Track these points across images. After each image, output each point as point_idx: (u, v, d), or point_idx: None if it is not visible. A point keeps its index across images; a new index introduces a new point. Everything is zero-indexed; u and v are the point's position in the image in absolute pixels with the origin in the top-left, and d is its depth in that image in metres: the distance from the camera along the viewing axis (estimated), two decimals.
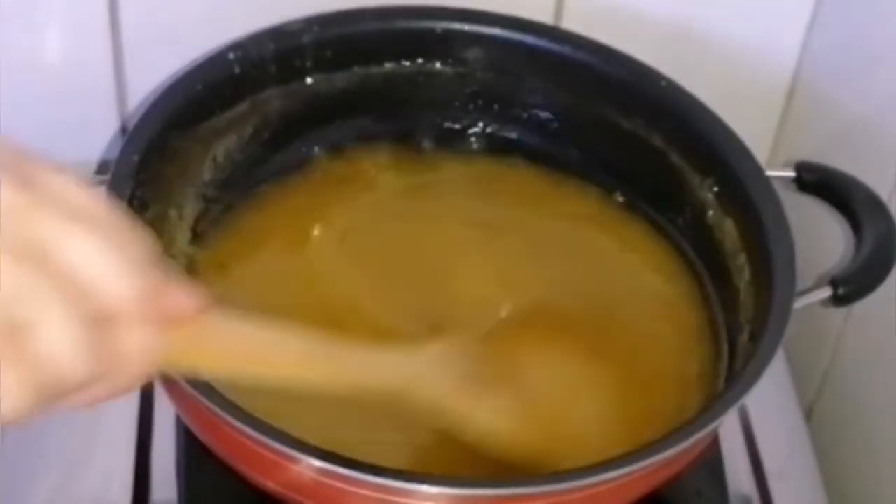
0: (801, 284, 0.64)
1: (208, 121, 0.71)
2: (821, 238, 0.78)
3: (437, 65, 0.77)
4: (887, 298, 0.71)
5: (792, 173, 0.72)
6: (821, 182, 0.72)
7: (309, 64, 0.74)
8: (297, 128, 0.75)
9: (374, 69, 0.76)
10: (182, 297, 0.45)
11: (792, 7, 0.82)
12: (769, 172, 0.70)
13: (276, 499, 0.59)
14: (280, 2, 0.74)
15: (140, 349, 0.43)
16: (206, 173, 0.71)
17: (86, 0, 0.77)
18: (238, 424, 0.55)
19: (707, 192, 0.72)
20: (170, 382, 0.60)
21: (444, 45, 0.76)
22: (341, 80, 0.75)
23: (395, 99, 0.77)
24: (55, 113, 0.79)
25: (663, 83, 0.74)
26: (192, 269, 0.69)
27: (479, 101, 0.78)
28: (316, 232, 0.74)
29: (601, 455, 0.57)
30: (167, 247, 0.68)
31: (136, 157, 0.65)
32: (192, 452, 0.67)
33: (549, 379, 0.66)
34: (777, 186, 0.69)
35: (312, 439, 0.56)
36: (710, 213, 0.72)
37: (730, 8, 0.82)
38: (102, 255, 0.41)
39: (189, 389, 0.56)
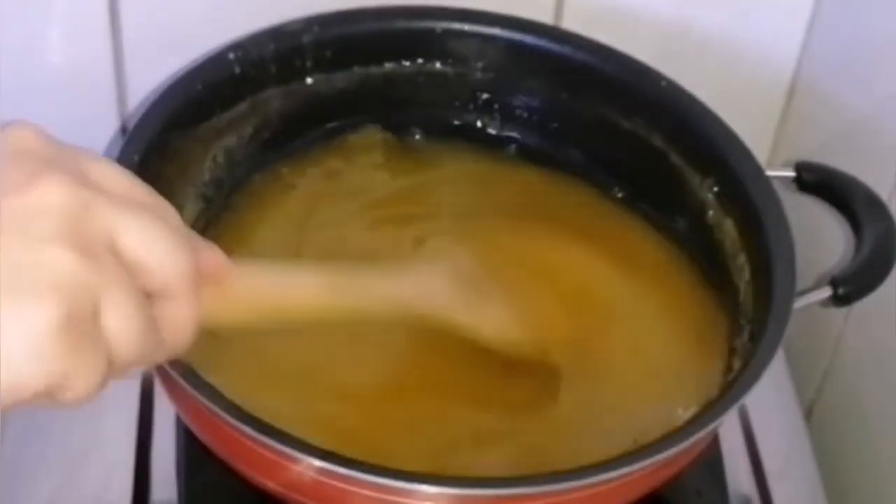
0: (801, 284, 0.64)
1: (208, 121, 0.71)
2: (821, 238, 0.78)
3: (437, 65, 0.77)
4: (887, 298, 0.71)
5: (792, 173, 0.72)
6: (821, 182, 0.72)
7: (309, 64, 0.74)
8: (297, 128, 0.75)
9: (374, 69, 0.76)
10: (214, 257, 0.49)
11: (792, 7, 0.82)
12: (769, 172, 0.70)
13: (276, 499, 0.59)
14: (280, 2, 0.74)
15: (189, 317, 0.46)
16: (206, 173, 0.71)
17: (86, 0, 0.77)
18: (238, 424, 0.55)
19: (707, 192, 0.72)
20: (170, 382, 0.59)
21: (444, 45, 0.76)
22: (341, 80, 0.76)
23: (395, 99, 0.77)
24: (55, 113, 0.78)
25: (663, 83, 0.74)
26: None
27: (479, 101, 0.78)
28: (316, 232, 0.74)
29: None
30: None
31: (136, 157, 0.65)
32: (192, 452, 0.67)
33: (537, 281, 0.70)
34: (777, 186, 0.69)
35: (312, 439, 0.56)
36: (710, 213, 0.72)
37: (730, 8, 0.82)
38: (154, 235, 0.44)
39: (189, 389, 0.56)
